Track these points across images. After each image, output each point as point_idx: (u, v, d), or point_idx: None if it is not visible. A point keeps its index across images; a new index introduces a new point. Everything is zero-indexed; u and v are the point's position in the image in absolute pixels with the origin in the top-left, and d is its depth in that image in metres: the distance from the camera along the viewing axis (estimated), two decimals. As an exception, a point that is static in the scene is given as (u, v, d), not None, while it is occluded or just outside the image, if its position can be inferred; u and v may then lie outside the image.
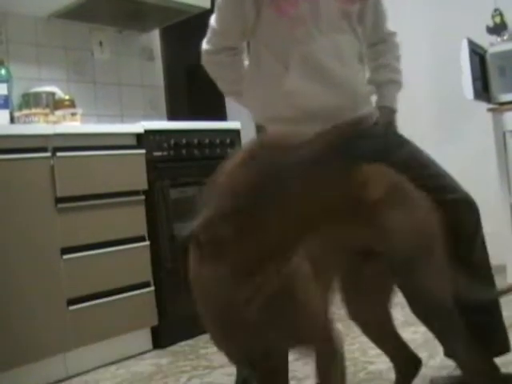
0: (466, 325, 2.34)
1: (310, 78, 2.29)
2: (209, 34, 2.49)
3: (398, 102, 2.54)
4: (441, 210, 2.29)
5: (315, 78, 2.29)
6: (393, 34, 2.58)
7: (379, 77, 2.50)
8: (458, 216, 2.36)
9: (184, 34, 5.21)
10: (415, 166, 2.31)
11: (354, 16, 2.38)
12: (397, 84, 2.53)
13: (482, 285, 2.39)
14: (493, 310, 2.45)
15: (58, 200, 3.27)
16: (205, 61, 2.54)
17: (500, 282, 4.36)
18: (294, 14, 2.27)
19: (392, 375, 2.77)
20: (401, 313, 3.72)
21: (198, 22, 4.88)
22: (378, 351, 3.11)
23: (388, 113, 2.49)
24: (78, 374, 3.32)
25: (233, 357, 1.79)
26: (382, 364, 2.92)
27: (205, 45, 2.51)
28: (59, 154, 3.28)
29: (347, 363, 2.97)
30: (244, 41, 2.48)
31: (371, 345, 3.20)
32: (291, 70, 2.30)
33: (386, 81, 2.50)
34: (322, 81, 2.29)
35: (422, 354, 2.70)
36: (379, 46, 2.55)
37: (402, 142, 2.40)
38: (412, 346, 2.68)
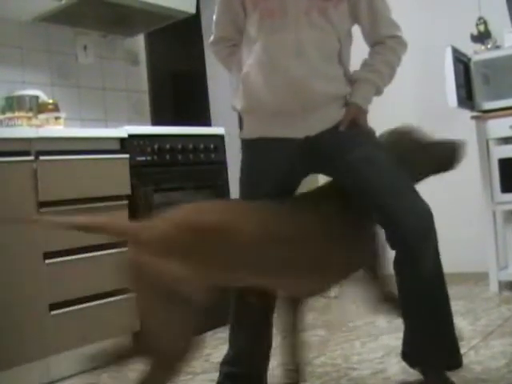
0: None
1: (264, 69, 2.36)
2: (213, 26, 2.65)
3: (370, 103, 2.48)
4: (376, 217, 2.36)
5: (268, 70, 2.36)
6: (393, 37, 2.49)
7: (357, 74, 2.47)
8: (394, 227, 2.31)
9: (169, 39, 5.22)
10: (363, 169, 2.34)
11: (332, 12, 2.36)
12: (373, 85, 2.46)
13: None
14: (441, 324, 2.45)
15: (41, 204, 3.25)
16: (211, 51, 2.73)
17: (482, 289, 4.41)
18: (264, 6, 2.36)
19: (375, 381, 2.78)
20: (384, 320, 3.74)
21: (183, 27, 4.90)
22: (360, 357, 3.13)
23: (354, 110, 2.42)
24: (61, 380, 3.29)
25: None
26: (365, 370, 2.92)
27: (211, 36, 2.67)
28: (42, 157, 3.26)
29: (329, 369, 3.01)
30: (240, 33, 2.54)
31: (354, 351, 3.23)
32: (250, 59, 2.41)
33: (362, 79, 2.45)
34: (274, 73, 2.35)
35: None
36: (376, 47, 2.51)
37: (356, 145, 2.38)
38: (397, 351, 2.69)
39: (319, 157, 2.41)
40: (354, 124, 2.40)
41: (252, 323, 2.54)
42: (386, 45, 2.48)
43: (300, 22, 2.33)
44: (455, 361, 2.46)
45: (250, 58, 2.41)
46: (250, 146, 2.50)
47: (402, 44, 2.51)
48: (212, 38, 2.66)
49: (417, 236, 2.29)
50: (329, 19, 2.36)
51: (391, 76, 2.51)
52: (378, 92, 2.49)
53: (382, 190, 2.31)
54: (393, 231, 2.31)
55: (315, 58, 2.34)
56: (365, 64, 2.50)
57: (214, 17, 2.61)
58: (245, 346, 2.55)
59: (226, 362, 2.58)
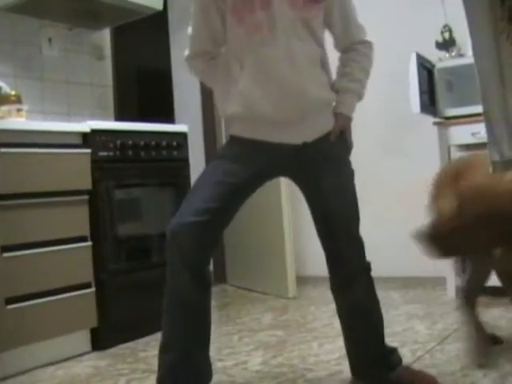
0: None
1: (260, 82, 2.40)
2: (188, 40, 2.62)
3: (354, 111, 2.60)
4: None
5: (265, 82, 2.40)
6: (365, 43, 2.62)
7: (340, 84, 2.57)
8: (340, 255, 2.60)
9: (136, 34, 5.20)
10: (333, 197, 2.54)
11: (313, 22, 2.46)
12: (355, 94, 2.59)
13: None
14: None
15: (0, 197, 3.22)
16: (186, 65, 2.68)
17: (440, 294, 4.46)
18: (251, 21, 2.39)
19: (331, 383, 2.80)
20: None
21: (150, 23, 4.88)
22: (317, 358, 3.14)
23: (343, 120, 2.56)
24: (15, 375, 3.25)
25: None
26: (321, 371, 2.93)
27: (185, 51, 2.64)
28: (3, 150, 3.22)
29: (285, 370, 3.02)
30: (218, 47, 2.58)
31: (311, 352, 3.24)
32: (244, 73, 2.42)
33: (346, 89, 2.56)
34: (271, 85, 2.40)
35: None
36: (349, 53, 2.61)
37: (340, 166, 2.58)
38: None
39: (306, 167, 2.53)
40: (342, 133, 2.57)
41: (188, 311, 2.43)
42: (360, 51, 2.60)
43: (288, 33, 2.39)
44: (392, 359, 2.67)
45: (243, 72, 2.43)
46: (242, 142, 2.51)
47: (371, 48, 2.64)
48: (188, 52, 2.63)
49: (355, 266, 2.60)
50: (311, 29, 2.46)
51: (367, 79, 2.64)
52: (360, 99, 2.62)
53: (344, 221, 2.56)
54: (338, 259, 2.60)
55: (306, 66, 2.44)
56: (344, 73, 2.60)
57: (190, 30, 2.59)
58: (181, 333, 2.43)
59: (164, 351, 2.45)
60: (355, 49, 2.61)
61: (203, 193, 2.40)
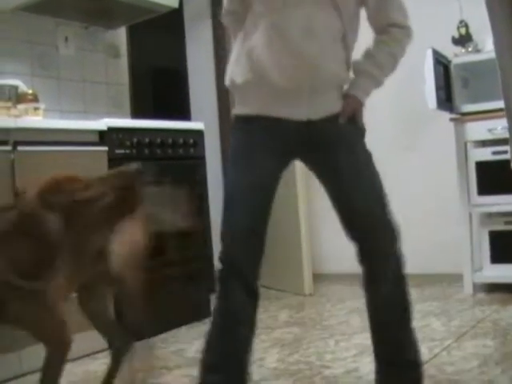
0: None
1: (273, 47, 2.25)
2: None
3: (368, 96, 2.41)
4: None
5: (278, 48, 2.24)
6: (403, 28, 2.39)
7: (360, 65, 2.40)
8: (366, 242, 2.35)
9: (151, 32, 5.20)
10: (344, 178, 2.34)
11: None
12: (373, 79, 2.39)
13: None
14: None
15: (17, 194, 3.23)
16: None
17: (457, 291, 4.44)
18: None
19: (348, 380, 2.80)
20: (358, 319, 3.76)
21: (165, 21, 4.89)
22: (333, 356, 3.14)
23: (352, 103, 2.36)
24: (33, 371, 3.26)
25: None
26: (338, 369, 2.93)
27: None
28: (20, 148, 3.24)
29: (302, 367, 3.02)
30: (246, 8, 2.39)
31: (327, 349, 3.25)
32: (257, 35, 2.28)
33: (364, 71, 2.38)
34: (283, 52, 2.24)
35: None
36: (382, 35, 2.40)
37: (352, 146, 2.37)
38: (370, 350, 2.68)
39: (316, 147, 2.35)
40: (352, 117, 2.36)
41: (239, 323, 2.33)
42: (392, 35, 2.39)
43: (310, 1, 2.24)
44: (418, 362, 2.43)
45: (256, 33, 2.29)
46: (248, 123, 2.36)
47: (408, 36, 2.42)
48: (223, 8, 2.54)
49: (384, 254, 2.33)
50: (334, 2, 2.26)
51: (394, 67, 2.43)
52: (379, 86, 2.43)
53: (365, 202, 2.33)
54: (365, 249, 2.34)
55: (324, 38, 2.26)
56: (368, 55, 2.40)
57: None
58: (233, 349, 2.31)
59: (208, 368, 2.32)
60: (389, 32, 2.38)
61: (247, 201, 2.32)
